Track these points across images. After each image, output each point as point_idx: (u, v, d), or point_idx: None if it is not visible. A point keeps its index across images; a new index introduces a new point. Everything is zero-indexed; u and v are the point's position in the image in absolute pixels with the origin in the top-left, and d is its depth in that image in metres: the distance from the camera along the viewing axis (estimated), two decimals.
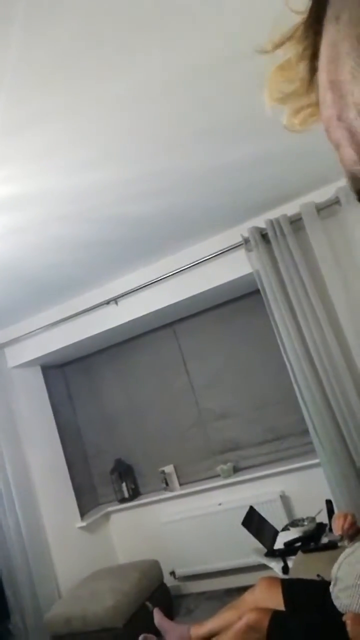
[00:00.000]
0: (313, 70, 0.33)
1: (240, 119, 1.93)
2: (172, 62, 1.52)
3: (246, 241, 3.03)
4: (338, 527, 2.23)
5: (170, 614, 3.22)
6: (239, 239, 3.06)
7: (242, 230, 3.06)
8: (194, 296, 3.35)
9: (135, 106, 1.70)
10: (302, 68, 0.34)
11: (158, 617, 2.48)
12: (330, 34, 0.29)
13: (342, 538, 2.26)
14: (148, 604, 3.02)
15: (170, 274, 3.30)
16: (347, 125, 0.28)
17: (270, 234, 2.95)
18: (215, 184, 2.50)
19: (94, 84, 1.52)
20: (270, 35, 0.35)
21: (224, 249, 3.14)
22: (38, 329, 3.69)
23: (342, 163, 0.30)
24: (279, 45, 0.35)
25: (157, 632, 2.49)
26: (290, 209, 2.96)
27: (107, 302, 3.49)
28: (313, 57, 0.33)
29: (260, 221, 3.02)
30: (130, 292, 3.42)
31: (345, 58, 0.27)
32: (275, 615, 1.93)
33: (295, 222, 2.92)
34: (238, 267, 3.15)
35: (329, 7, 0.29)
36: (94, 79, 1.50)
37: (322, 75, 0.30)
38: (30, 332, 3.71)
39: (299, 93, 0.35)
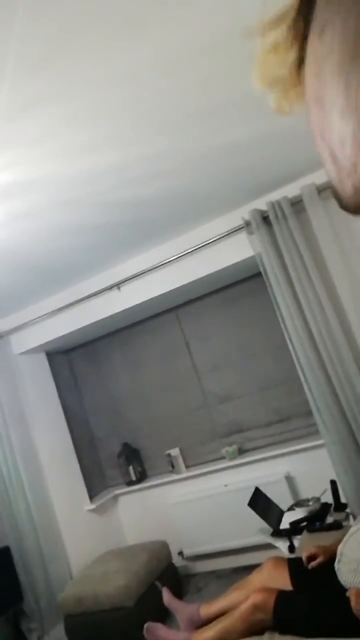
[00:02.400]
0: (303, 55, 0.30)
1: (240, 98, 1.90)
2: (170, 40, 1.49)
3: (247, 224, 3.01)
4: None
5: (179, 593, 3.30)
6: (241, 222, 3.04)
7: (244, 212, 3.04)
8: (196, 280, 3.34)
9: (134, 86, 1.67)
10: (293, 53, 0.31)
11: (167, 596, 2.53)
12: (314, 44, 0.27)
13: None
14: (157, 583, 3.08)
15: (172, 258, 3.29)
16: (329, 146, 0.26)
17: (271, 216, 2.93)
18: (216, 165, 2.48)
19: (92, 65, 1.50)
20: (259, 17, 0.32)
21: (226, 232, 3.12)
22: (42, 316, 3.70)
23: (326, 173, 0.28)
24: (268, 29, 0.32)
25: (166, 611, 2.55)
26: (291, 190, 2.93)
27: (110, 288, 3.50)
28: (305, 42, 0.30)
29: (262, 203, 3.00)
30: (132, 278, 3.42)
31: (329, 78, 0.25)
32: (281, 594, 1.96)
33: (297, 204, 2.90)
34: (240, 250, 3.13)
35: (316, 8, 0.27)
36: (92, 60, 1.48)
37: (308, 83, 0.28)
38: (35, 319, 3.72)
39: (289, 76, 0.33)
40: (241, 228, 3.05)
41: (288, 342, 2.93)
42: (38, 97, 1.55)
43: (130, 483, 4.15)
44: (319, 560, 2.07)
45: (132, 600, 2.99)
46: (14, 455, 3.64)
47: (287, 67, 0.32)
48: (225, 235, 3.13)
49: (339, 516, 2.61)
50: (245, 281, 3.75)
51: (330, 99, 0.25)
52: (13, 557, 3.55)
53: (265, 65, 0.33)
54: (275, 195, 2.98)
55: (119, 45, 1.45)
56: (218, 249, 3.20)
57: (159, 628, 2.34)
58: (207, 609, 2.35)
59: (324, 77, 0.26)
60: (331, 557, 2.02)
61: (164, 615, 2.89)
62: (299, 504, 2.93)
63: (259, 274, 3.13)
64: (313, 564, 2.08)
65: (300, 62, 0.31)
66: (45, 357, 4.22)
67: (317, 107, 0.27)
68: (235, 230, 3.09)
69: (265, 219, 2.97)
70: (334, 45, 0.25)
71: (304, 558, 2.13)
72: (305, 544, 2.45)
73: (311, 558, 2.12)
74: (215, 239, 3.16)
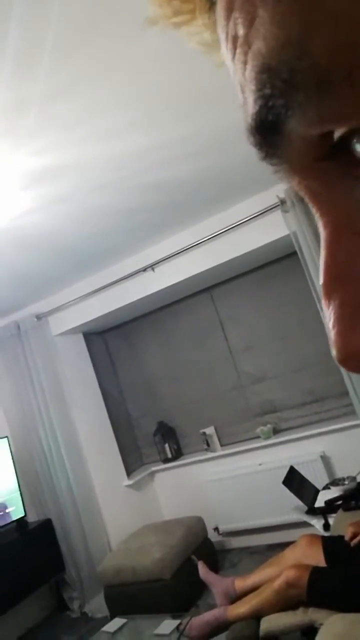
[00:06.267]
0: None
1: None
2: None
3: (282, 202, 2.97)
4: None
5: (214, 568, 3.36)
6: (275, 200, 3.00)
7: (278, 191, 2.99)
8: (230, 260, 3.33)
9: (165, 68, 1.66)
10: None
11: (203, 570, 2.59)
12: None
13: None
14: (193, 557, 3.15)
15: (206, 238, 3.28)
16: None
17: None
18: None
19: (126, 44, 1.49)
20: None
21: (260, 211, 3.09)
22: (78, 298, 3.77)
23: (258, 56, 0.19)
24: None
25: (202, 584, 2.62)
26: None
27: (144, 269, 3.52)
28: None
29: None
30: (166, 258, 3.44)
31: None
32: (315, 571, 1.99)
33: None
34: (274, 229, 3.10)
35: None
36: (126, 39, 1.47)
37: None
38: (71, 301, 3.80)
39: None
40: (276, 207, 3.01)
41: (324, 321, 2.90)
42: (70, 83, 1.57)
43: (166, 460, 4.23)
44: None
45: (169, 573, 3.08)
46: (55, 434, 3.77)
47: None
48: (259, 214, 3.10)
49: None
50: (279, 260, 3.71)
51: None
52: (55, 530, 3.70)
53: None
54: None
55: (150, 28, 1.44)
56: (252, 228, 3.17)
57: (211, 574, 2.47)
58: (242, 583, 2.40)
59: None
60: None
61: (200, 588, 2.97)
62: (334, 482, 2.93)
63: (294, 253, 3.10)
64: (355, 541, 2.09)
65: None
66: (83, 337, 4.31)
67: None
68: (269, 209, 3.05)
69: (301, 196, 2.91)
70: None
71: (347, 538, 2.14)
72: (341, 523, 2.46)
73: (353, 537, 2.13)
74: (249, 218, 3.13)
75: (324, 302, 0.22)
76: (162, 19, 0.27)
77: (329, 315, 0.22)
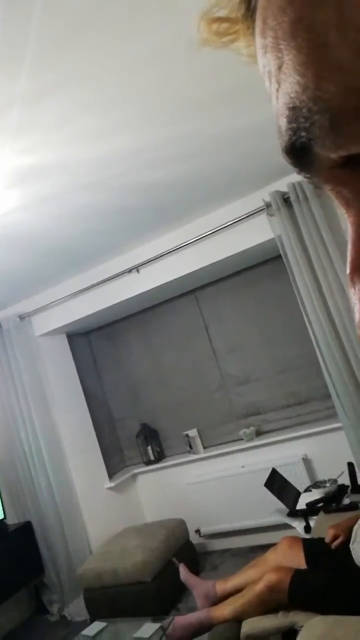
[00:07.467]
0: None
1: (262, 79, 1.87)
2: (193, 21, 1.47)
3: (268, 205, 2.98)
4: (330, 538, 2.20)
5: (196, 570, 3.36)
6: (261, 204, 3.01)
7: (264, 194, 3.01)
8: (215, 263, 3.34)
9: (154, 70, 1.66)
10: None
11: (184, 573, 2.58)
12: None
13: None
14: (174, 560, 3.14)
15: (191, 241, 3.28)
16: (316, 28, 0.21)
17: (292, 198, 2.90)
18: (236, 147, 2.45)
19: (115, 46, 1.49)
20: None
21: (246, 214, 3.10)
22: (62, 298, 3.74)
23: (285, 96, 0.24)
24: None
25: (183, 587, 2.61)
26: None
27: (129, 271, 3.51)
28: None
29: (283, 185, 2.96)
30: (152, 260, 3.43)
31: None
32: (296, 574, 1.99)
33: None
34: (260, 232, 3.11)
35: None
36: (115, 41, 1.46)
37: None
38: (55, 301, 3.77)
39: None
40: (261, 210, 3.03)
41: (307, 325, 2.92)
42: (57, 82, 1.55)
43: (149, 462, 4.22)
44: (340, 539, 2.10)
45: (150, 576, 3.07)
46: (36, 435, 3.73)
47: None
48: (245, 217, 3.11)
49: (356, 498, 2.62)
50: (265, 263, 3.73)
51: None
52: (35, 532, 3.66)
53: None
54: (297, 176, 2.93)
55: (143, 23, 1.43)
56: (238, 231, 3.18)
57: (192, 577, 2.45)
58: (223, 586, 2.39)
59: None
60: (348, 537, 2.04)
61: (181, 591, 2.96)
62: (315, 485, 2.95)
63: (279, 257, 3.11)
64: (336, 543, 2.10)
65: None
66: (66, 338, 4.27)
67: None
68: (255, 212, 3.07)
69: (286, 200, 2.93)
70: None
71: (328, 541, 2.15)
72: (322, 525, 2.47)
73: (333, 539, 2.14)
74: (235, 221, 3.14)
75: (350, 290, 0.26)
76: (211, 41, 0.33)
77: (354, 300, 0.26)
